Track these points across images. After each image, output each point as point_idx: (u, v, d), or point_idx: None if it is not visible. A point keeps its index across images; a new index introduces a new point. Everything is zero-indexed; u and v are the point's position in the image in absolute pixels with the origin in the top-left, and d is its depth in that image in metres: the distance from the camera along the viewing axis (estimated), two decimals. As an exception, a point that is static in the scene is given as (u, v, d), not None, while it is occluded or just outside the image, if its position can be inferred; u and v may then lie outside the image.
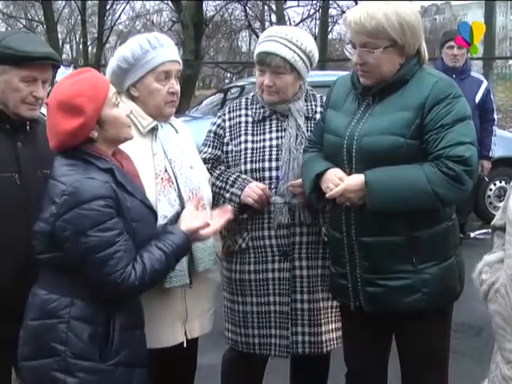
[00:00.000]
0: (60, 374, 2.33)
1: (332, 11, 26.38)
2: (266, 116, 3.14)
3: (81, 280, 2.34)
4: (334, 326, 3.16)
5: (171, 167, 2.86)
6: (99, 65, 25.72)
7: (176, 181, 2.85)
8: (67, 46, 41.23)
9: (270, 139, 3.10)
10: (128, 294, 2.36)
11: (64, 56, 34.01)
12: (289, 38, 3.02)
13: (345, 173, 2.72)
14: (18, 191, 2.57)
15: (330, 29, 27.71)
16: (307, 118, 3.13)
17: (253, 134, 3.13)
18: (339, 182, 2.69)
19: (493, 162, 6.80)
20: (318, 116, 3.11)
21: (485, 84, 6.56)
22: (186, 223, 2.55)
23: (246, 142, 3.12)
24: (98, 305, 2.37)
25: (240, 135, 3.14)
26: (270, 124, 3.13)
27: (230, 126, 3.17)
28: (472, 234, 7.50)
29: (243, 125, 3.16)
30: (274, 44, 3.01)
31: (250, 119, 3.16)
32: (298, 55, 3.02)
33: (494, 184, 8.18)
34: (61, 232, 2.31)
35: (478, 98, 6.40)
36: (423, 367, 2.84)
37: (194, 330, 2.96)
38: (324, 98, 3.12)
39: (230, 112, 3.22)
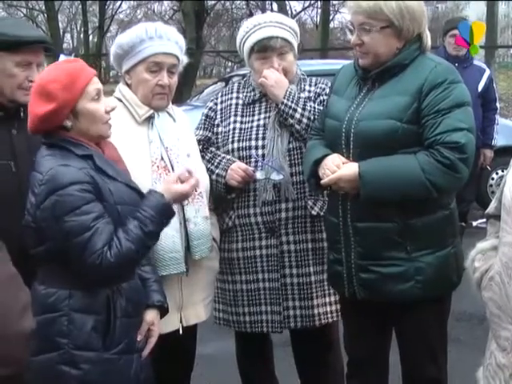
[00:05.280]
0: (65, 367, 2.35)
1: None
2: (256, 99, 3.20)
3: (76, 270, 2.34)
4: (328, 300, 3.19)
5: (167, 155, 2.88)
6: (100, 54, 25.66)
7: (172, 169, 2.86)
8: (68, 36, 41.11)
9: (258, 120, 3.16)
10: (109, 273, 2.34)
11: (65, 45, 33.90)
12: (279, 21, 3.12)
13: (343, 157, 2.73)
14: (13, 178, 2.58)
15: (331, 17, 27.60)
16: None
17: (242, 116, 3.19)
18: (336, 168, 2.69)
19: (495, 151, 6.79)
20: (306, 94, 3.19)
21: (487, 72, 6.55)
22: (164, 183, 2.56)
23: (234, 122, 3.18)
24: (96, 293, 2.38)
25: (230, 116, 3.20)
26: (260, 106, 3.19)
27: (222, 109, 3.24)
28: (474, 223, 7.50)
29: (233, 107, 3.22)
30: (271, 29, 3.09)
31: (240, 102, 3.23)
32: (292, 34, 3.13)
33: (496, 173, 8.18)
34: (42, 221, 2.33)
35: (480, 87, 6.39)
36: (421, 356, 2.85)
37: (189, 318, 2.99)
38: (314, 79, 3.25)
39: (222, 96, 3.29)
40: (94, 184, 2.36)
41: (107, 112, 2.49)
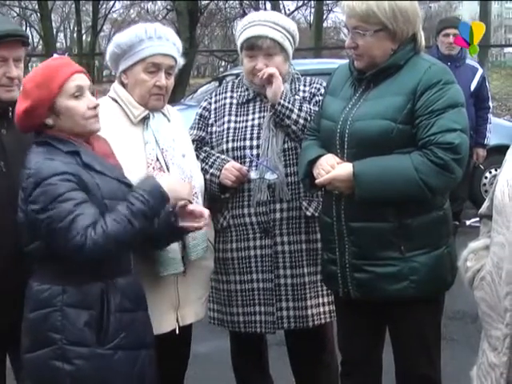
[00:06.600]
0: (58, 362, 2.35)
1: (327, -1, 26.28)
2: (250, 98, 3.20)
3: (69, 266, 2.34)
4: (322, 301, 3.19)
5: (163, 156, 2.88)
6: (93, 53, 25.59)
7: (168, 170, 2.86)
8: (61, 35, 41.01)
9: (253, 119, 3.16)
10: (93, 253, 2.29)
11: (58, 45, 33.79)
12: (273, 21, 3.10)
13: (337, 157, 2.74)
14: (3, 179, 2.55)
15: (324, 17, 27.60)
16: None
17: (236, 115, 3.18)
18: (330, 168, 2.70)
19: (488, 150, 6.81)
20: (301, 94, 3.19)
21: (480, 71, 6.55)
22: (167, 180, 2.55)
23: (229, 122, 3.18)
24: (90, 288, 2.38)
25: (224, 116, 3.20)
26: (254, 106, 3.19)
27: (216, 108, 3.24)
28: (467, 222, 7.52)
29: (227, 106, 3.22)
30: (261, 28, 3.08)
31: (234, 101, 3.22)
32: (285, 35, 3.11)
33: (490, 172, 8.20)
34: (31, 214, 2.34)
35: (473, 86, 6.40)
36: (415, 355, 2.85)
37: (186, 317, 2.99)
38: (308, 79, 3.24)
39: (216, 95, 3.29)
40: (79, 178, 2.35)
41: (90, 108, 2.45)
